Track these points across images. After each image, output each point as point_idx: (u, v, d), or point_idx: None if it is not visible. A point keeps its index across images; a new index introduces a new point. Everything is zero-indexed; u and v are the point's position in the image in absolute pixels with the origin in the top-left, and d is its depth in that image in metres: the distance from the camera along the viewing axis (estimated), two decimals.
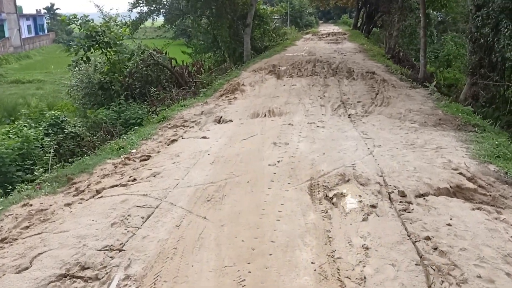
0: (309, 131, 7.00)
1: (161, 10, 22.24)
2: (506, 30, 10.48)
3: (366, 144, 6.28)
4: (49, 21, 58.40)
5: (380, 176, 4.93)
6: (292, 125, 7.46)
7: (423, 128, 7.56)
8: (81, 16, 12.61)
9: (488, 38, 11.30)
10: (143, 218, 4.07)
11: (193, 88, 15.86)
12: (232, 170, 5.22)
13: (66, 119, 10.67)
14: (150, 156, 6.30)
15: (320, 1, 39.75)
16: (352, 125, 7.52)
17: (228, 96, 10.58)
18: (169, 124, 8.72)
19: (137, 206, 4.31)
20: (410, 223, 3.83)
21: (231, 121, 8.30)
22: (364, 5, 33.36)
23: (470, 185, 5.00)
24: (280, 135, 6.75)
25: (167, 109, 11.32)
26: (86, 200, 4.72)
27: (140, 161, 6.16)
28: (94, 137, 10.58)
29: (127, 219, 4.05)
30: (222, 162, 5.55)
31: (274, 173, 5.03)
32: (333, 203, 4.24)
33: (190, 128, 8.03)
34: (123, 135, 10.77)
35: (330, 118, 8.11)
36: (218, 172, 5.19)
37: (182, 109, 9.92)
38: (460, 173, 5.29)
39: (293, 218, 3.92)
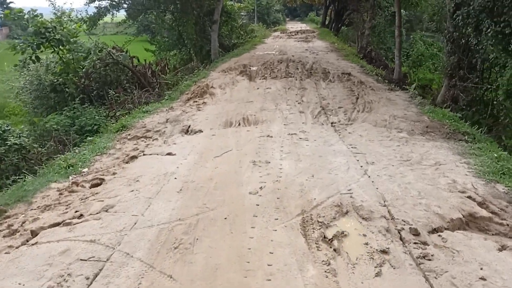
0: (292, 145, 6.12)
1: (122, 5, 20.79)
2: (488, 30, 10.00)
3: (358, 160, 5.46)
4: (2, 15, 54.86)
5: (384, 205, 4.11)
6: (272, 137, 6.56)
7: (412, 137, 6.86)
8: (28, 11, 11.18)
9: (469, 39, 10.82)
10: (87, 279, 3.05)
11: (157, 89, 14.71)
12: (205, 201, 4.25)
13: (10, 128, 9.31)
14: (103, 179, 5.22)
15: None
16: (337, 136, 6.71)
17: (196, 101, 9.55)
18: (129, 134, 7.63)
19: (81, 260, 3.27)
20: (436, 278, 3.01)
21: (201, 131, 7.31)
22: (332, 3, 32.92)
23: (484, 213, 4.28)
24: (259, 151, 5.83)
25: (127, 115, 10.20)
26: (16, 248, 3.64)
27: (90, 187, 5.08)
28: (43, 148, 9.31)
29: (66, 281, 3.02)
30: (192, 189, 4.57)
31: (257, 204, 4.11)
32: (334, 250, 3.36)
33: (153, 140, 6.98)
34: (77, 146, 9.58)
35: (312, 127, 7.27)
36: (188, 204, 4.22)
37: (145, 116, 8.82)
38: (469, 197, 4.57)
39: (287, 275, 3.02)
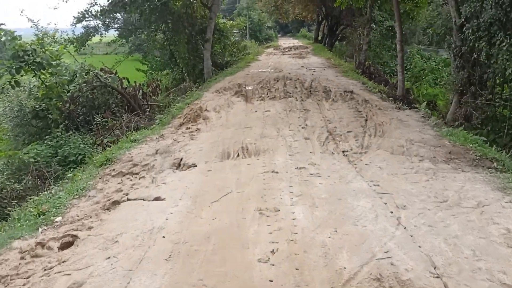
0: (302, 184, 5.12)
1: (112, 25, 19.90)
2: (504, 44, 9.18)
3: (386, 204, 4.47)
4: None
5: (437, 276, 3.12)
6: (277, 172, 5.56)
7: (438, 167, 5.92)
8: (5, 32, 10.21)
9: (479, 53, 9.99)
10: None
11: (148, 112, 13.75)
12: (201, 273, 3.22)
13: None
14: (76, 236, 4.18)
15: (279, 14, 38.58)
16: (353, 169, 5.73)
17: (189, 127, 8.56)
18: (114, 169, 6.61)
19: None
20: None
21: (194, 165, 6.30)
22: (325, 18, 32.41)
23: None
24: (265, 193, 4.82)
25: (114, 144, 9.20)
26: None
27: (59, 248, 4.04)
28: (20, 185, 8.24)
29: None
30: (184, 254, 3.53)
31: (270, 280, 3.09)
32: None
33: (139, 178, 5.95)
34: (58, 180, 8.52)
35: (321, 157, 6.29)
36: (179, 279, 3.18)
37: (132, 146, 7.79)
38: None
39: None
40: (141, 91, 15.78)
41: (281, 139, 7.32)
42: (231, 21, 32.32)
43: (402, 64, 13.69)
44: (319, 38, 37.34)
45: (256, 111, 9.33)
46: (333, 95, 11.41)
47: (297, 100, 10.45)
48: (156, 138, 8.22)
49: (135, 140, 8.26)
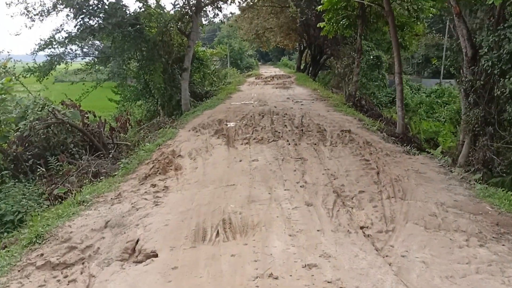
0: None
1: (79, 53, 17.96)
2: None
3: None
4: None
5: None
6: (276, 278, 3.65)
7: (500, 257, 4.15)
8: None
9: (502, 88, 8.49)
10: None
11: (113, 152, 11.74)
12: None
13: None
14: None
15: (261, 42, 37.46)
16: (387, 267, 3.87)
17: (155, 184, 6.59)
18: (42, 254, 4.59)
19: None
20: None
21: (154, 254, 4.33)
22: (308, 47, 31.29)
23: None
24: None
25: (65, 196, 7.22)
26: None
27: None
28: None
29: None
30: None
31: None
32: None
33: (69, 282, 3.95)
34: None
35: (335, 241, 4.42)
36: None
37: (77, 213, 5.78)
38: None
39: None
40: (107, 127, 13.81)
41: (276, 205, 5.44)
42: (211, 49, 30.92)
43: (402, 99, 12.16)
44: (301, 67, 36.23)
45: (240, 160, 7.45)
46: (329, 135, 9.69)
47: (289, 143, 8.64)
48: (111, 199, 6.22)
49: (83, 202, 6.24)
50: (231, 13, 70.51)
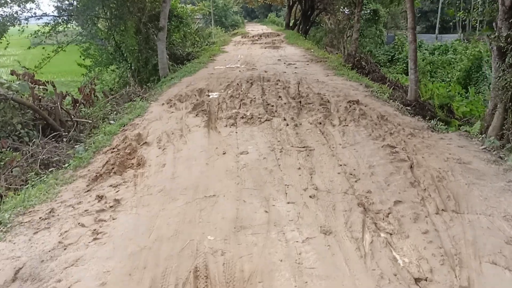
0: None
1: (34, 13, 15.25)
2: None
3: None
4: None
5: None
6: None
7: None
8: None
9: None
10: None
11: (73, 132, 9.69)
12: None
13: None
14: None
15: None
16: None
17: (102, 196, 4.61)
18: None
19: None
20: None
21: None
22: (298, 2, 28.52)
23: None
24: None
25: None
26: None
27: None
28: None
29: None
30: None
31: None
32: None
33: None
34: None
35: None
36: None
37: None
38: None
39: None
40: (68, 100, 11.63)
41: (277, 234, 3.56)
42: (192, 6, 28.02)
43: (415, 60, 10.13)
44: (291, 24, 33.48)
45: (224, 153, 5.47)
46: (335, 109, 7.74)
47: (286, 123, 6.64)
48: (40, 219, 4.27)
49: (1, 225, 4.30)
50: None
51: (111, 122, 9.27)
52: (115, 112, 10.47)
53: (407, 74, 18.95)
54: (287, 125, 6.46)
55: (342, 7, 22.74)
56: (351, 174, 4.64)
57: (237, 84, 10.58)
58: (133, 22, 16.17)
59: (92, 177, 5.38)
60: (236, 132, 6.29)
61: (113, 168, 5.52)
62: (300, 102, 8.38)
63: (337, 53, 18.75)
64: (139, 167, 5.50)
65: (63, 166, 6.51)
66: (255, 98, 8.70)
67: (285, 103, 8.17)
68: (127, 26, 15.90)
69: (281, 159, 5.11)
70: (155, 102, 9.62)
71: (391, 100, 9.04)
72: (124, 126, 7.95)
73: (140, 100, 10.46)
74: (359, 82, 10.34)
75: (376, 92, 9.43)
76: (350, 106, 7.87)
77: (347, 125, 6.55)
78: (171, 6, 18.30)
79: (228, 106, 8.25)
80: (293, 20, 33.65)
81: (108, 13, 16.03)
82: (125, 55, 16.92)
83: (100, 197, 4.55)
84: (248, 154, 5.32)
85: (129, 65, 17.05)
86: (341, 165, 4.89)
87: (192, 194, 4.35)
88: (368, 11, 20.64)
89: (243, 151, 5.40)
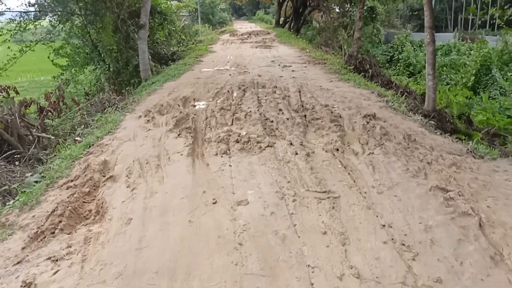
0: None
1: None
2: None
3: None
4: None
5: None
6: None
7: None
8: None
9: None
10: None
11: (34, 149, 8.08)
12: None
13: None
14: None
15: None
16: None
17: (29, 283, 3.03)
18: None
19: None
20: None
21: None
22: None
23: None
24: None
25: None
26: None
27: None
28: None
29: None
30: None
31: None
32: None
33: None
34: None
35: None
36: None
37: None
38: None
39: None
40: (32, 109, 9.94)
41: None
42: (178, 2, 26.24)
43: (434, 64, 8.69)
44: (281, 21, 31.89)
45: (215, 202, 3.86)
46: (350, 126, 6.23)
47: (295, 151, 5.05)
48: None
49: None
50: None
51: (77, 139, 7.65)
52: (83, 126, 8.82)
53: (409, 76, 17.61)
54: (296, 153, 4.90)
55: (336, 5, 21.31)
56: (404, 245, 3.11)
57: (228, 91, 9.00)
58: (110, 19, 14.43)
59: (33, 233, 3.79)
60: (230, 165, 4.71)
61: (60, 222, 3.92)
62: (305, 116, 6.85)
63: (333, 53, 17.28)
64: (96, 220, 3.91)
65: (7, 203, 4.92)
66: (250, 111, 7.13)
67: (287, 119, 6.62)
68: (104, 24, 14.14)
69: (296, 214, 3.56)
70: (130, 114, 7.99)
71: (411, 112, 7.57)
72: (89, 147, 6.33)
73: (114, 110, 8.81)
74: (370, 90, 8.85)
75: (392, 102, 7.95)
76: (368, 122, 6.37)
77: (372, 153, 5.03)
78: (154, 2, 16.61)
79: (218, 121, 6.66)
80: (283, 18, 32.08)
81: (82, 9, 14.25)
82: (102, 55, 15.16)
83: (26, 286, 2.95)
84: (249, 204, 3.75)
85: (107, 66, 15.30)
86: (384, 225, 3.36)
87: (166, 286, 2.77)
88: (365, 9, 19.17)
89: (241, 200, 3.82)
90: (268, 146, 5.18)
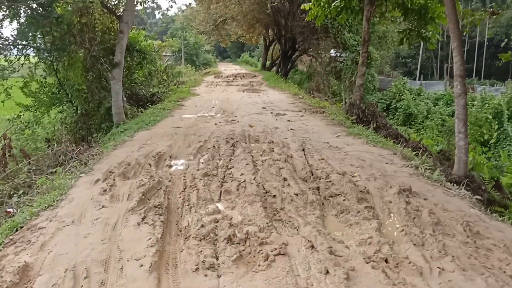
0: None
1: None
2: None
3: None
4: None
5: None
6: None
7: None
8: None
9: None
10: None
11: None
12: None
13: None
14: None
15: (220, 36, 31.69)
16: None
17: None
18: None
19: None
20: None
21: None
22: (278, 41, 26.00)
23: None
24: None
25: None
26: None
27: None
28: None
29: None
30: None
31: None
32: None
33: None
34: None
35: None
36: None
37: None
38: None
39: None
40: None
41: None
42: (160, 41, 24.95)
43: (466, 120, 7.15)
44: (267, 64, 30.94)
45: None
46: (383, 208, 4.46)
47: (324, 268, 3.19)
48: None
49: None
50: (185, 5, 64.55)
51: (9, 210, 5.65)
52: (27, 186, 6.81)
53: (406, 125, 16.29)
54: (327, 272, 3.03)
55: (326, 51, 20.32)
56: None
57: (213, 146, 7.22)
58: (81, 56, 12.75)
59: None
60: None
61: None
62: (318, 189, 5.07)
63: (326, 100, 15.90)
64: None
65: None
66: (244, 179, 5.30)
67: (296, 194, 4.81)
68: (73, 61, 12.39)
69: None
70: (86, 176, 6.07)
71: (448, 182, 5.91)
72: (16, 230, 4.39)
73: (68, 169, 6.85)
74: (389, 149, 7.20)
75: (422, 167, 6.28)
76: (407, 202, 4.62)
77: (442, 269, 3.21)
78: (132, 40, 15.08)
79: (200, 196, 4.80)
80: (269, 61, 31.18)
81: (47, 43, 12.51)
82: (69, 95, 13.31)
83: None
84: None
85: (74, 108, 13.42)
86: None
87: None
88: (358, 53, 18.12)
89: None
90: (279, 253, 3.31)
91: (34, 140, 10.98)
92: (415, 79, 35.60)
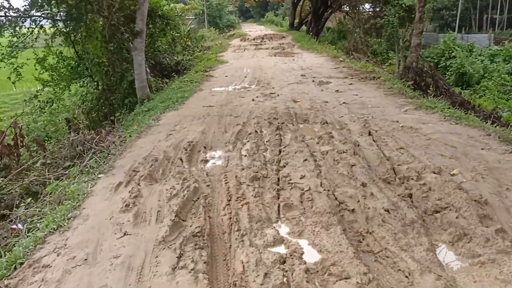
0: None
1: None
2: None
3: None
4: None
5: None
6: None
7: None
8: None
9: None
10: None
11: None
12: None
13: None
14: None
15: None
16: None
17: None
18: None
19: None
20: None
21: None
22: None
23: None
24: None
25: None
26: None
27: None
28: None
29: None
30: None
31: None
32: None
33: None
34: None
35: None
36: None
37: None
38: None
39: None
40: None
41: None
42: (183, 5, 23.17)
43: None
44: (295, 24, 28.63)
45: None
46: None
47: None
48: None
49: None
50: None
51: (14, 226, 4.59)
52: (38, 185, 5.72)
53: (459, 86, 14.33)
54: None
55: (363, 4, 18.07)
56: None
57: (255, 131, 5.84)
58: (99, 26, 11.37)
59: None
60: None
61: None
62: (410, 196, 3.66)
63: (367, 61, 14.03)
64: None
65: None
66: (307, 185, 3.93)
67: (385, 210, 3.42)
68: (90, 32, 11.04)
69: None
70: (105, 177, 4.86)
71: None
72: (15, 268, 3.28)
73: (84, 165, 5.68)
74: (476, 127, 5.60)
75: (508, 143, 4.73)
76: None
77: None
78: (153, 4, 13.49)
79: (252, 215, 3.49)
80: (298, 20, 28.83)
81: (63, 12, 11.17)
82: (89, 70, 12.08)
83: None
84: None
85: (95, 83, 12.22)
86: None
87: None
88: (403, 8, 15.93)
89: None
90: None
91: (54, 123, 9.91)
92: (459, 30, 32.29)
